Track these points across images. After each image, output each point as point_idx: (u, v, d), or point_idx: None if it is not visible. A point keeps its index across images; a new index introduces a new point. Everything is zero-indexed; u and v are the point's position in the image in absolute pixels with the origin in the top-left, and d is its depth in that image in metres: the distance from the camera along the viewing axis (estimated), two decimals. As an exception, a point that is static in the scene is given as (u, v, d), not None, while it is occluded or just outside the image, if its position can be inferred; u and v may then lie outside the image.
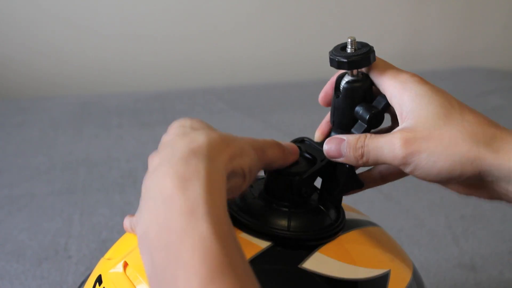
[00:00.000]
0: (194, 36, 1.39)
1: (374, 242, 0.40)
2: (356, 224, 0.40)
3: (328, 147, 0.37)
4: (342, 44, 0.38)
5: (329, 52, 0.37)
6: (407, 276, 0.40)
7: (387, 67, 0.37)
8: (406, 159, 0.33)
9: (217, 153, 0.32)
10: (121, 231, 0.75)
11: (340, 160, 0.37)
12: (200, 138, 0.32)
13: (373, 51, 0.37)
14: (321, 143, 0.39)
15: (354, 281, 0.36)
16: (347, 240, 0.38)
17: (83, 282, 0.44)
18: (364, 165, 0.36)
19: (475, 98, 1.28)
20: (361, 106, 0.37)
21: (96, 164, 0.92)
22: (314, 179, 0.39)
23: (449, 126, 0.33)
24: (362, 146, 0.35)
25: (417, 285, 0.40)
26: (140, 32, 1.35)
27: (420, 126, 0.33)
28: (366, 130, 0.37)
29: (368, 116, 0.37)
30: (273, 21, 1.44)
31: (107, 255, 0.41)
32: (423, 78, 0.35)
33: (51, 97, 1.24)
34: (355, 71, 0.37)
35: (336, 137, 0.37)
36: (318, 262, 0.35)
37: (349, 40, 0.37)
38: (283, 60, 1.48)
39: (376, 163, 0.36)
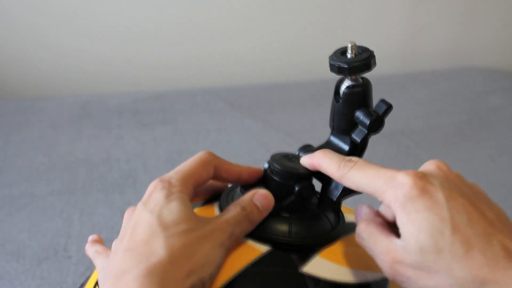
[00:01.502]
0: (194, 36, 1.39)
1: None
2: (355, 228, 0.40)
3: (358, 212, 0.37)
4: (342, 48, 0.37)
5: (329, 57, 0.37)
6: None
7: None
8: (392, 278, 0.32)
9: (174, 272, 0.31)
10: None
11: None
12: (159, 252, 0.31)
13: (374, 56, 0.37)
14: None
15: (354, 285, 0.36)
16: (347, 243, 0.38)
17: (83, 284, 0.44)
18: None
19: (475, 98, 1.28)
20: (361, 111, 0.37)
21: (96, 164, 0.92)
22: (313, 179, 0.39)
23: (437, 267, 0.29)
24: (363, 239, 0.34)
25: None
26: (140, 32, 1.35)
27: (409, 256, 0.30)
28: (367, 136, 0.37)
29: (368, 122, 0.36)
30: (273, 21, 1.44)
31: (107, 256, 0.41)
32: (424, 185, 0.31)
33: (51, 97, 1.24)
34: (355, 76, 0.37)
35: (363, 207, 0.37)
36: (318, 266, 0.35)
37: (350, 45, 0.36)
38: (283, 60, 1.48)
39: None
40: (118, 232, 0.73)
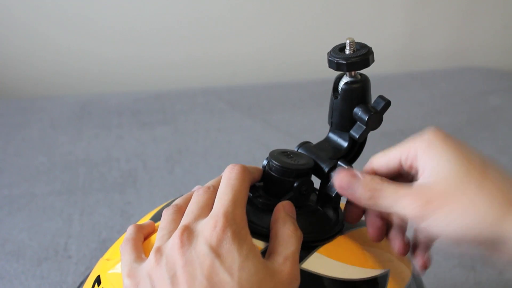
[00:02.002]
0: (194, 36, 1.39)
1: (373, 242, 0.40)
2: (354, 224, 0.40)
3: (339, 180, 0.36)
4: (340, 45, 0.37)
5: (328, 53, 0.37)
6: (406, 276, 0.40)
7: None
8: (422, 216, 0.32)
9: None
10: (121, 231, 0.75)
11: (348, 196, 0.36)
12: None
13: (372, 52, 0.37)
14: (322, 147, 0.39)
15: (353, 281, 0.36)
16: (346, 240, 0.38)
17: (82, 283, 0.44)
18: (368, 207, 0.36)
19: (475, 98, 1.28)
20: (360, 108, 0.37)
21: (96, 164, 0.92)
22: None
23: (469, 185, 0.32)
24: (374, 190, 0.34)
25: (417, 285, 0.41)
26: (140, 32, 1.35)
27: (439, 185, 0.32)
28: (365, 132, 0.37)
29: (367, 118, 0.37)
30: (273, 21, 1.44)
31: (106, 255, 0.41)
32: (447, 134, 0.35)
33: (51, 97, 1.24)
34: (353, 72, 0.37)
35: (350, 171, 0.36)
36: (317, 262, 0.35)
37: (348, 41, 0.37)
38: (283, 60, 1.48)
39: (383, 210, 0.35)
40: (118, 232, 0.73)
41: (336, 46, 0.38)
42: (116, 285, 0.36)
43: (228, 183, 0.34)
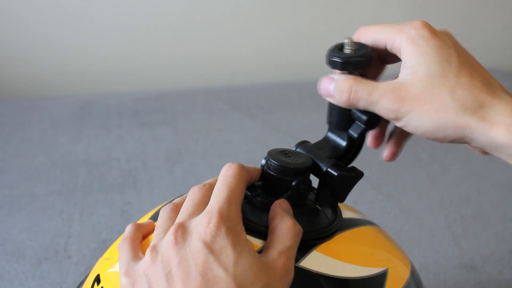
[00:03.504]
0: (194, 36, 1.39)
1: (372, 240, 0.40)
2: (353, 223, 0.41)
3: (320, 85, 0.38)
4: (339, 44, 0.38)
5: (327, 51, 0.37)
6: (405, 275, 0.40)
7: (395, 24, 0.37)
8: (397, 116, 0.35)
9: None
10: (121, 231, 0.75)
11: (330, 100, 0.38)
12: None
13: (371, 54, 0.37)
14: (320, 146, 0.39)
15: (351, 280, 0.36)
16: (344, 239, 0.38)
17: (82, 282, 0.44)
18: (353, 107, 0.37)
19: (475, 98, 1.28)
20: None
21: (96, 164, 0.92)
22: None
23: (441, 89, 0.34)
24: (349, 91, 0.36)
25: (415, 284, 0.41)
26: (140, 32, 1.35)
27: (415, 84, 0.34)
28: (364, 131, 0.37)
29: (366, 117, 0.37)
30: (273, 21, 1.44)
31: (105, 255, 0.41)
32: (433, 29, 0.35)
33: (51, 97, 1.24)
34: (352, 72, 0.37)
35: (327, 77, 0.38)
36: (315, 261, 0.35)
37: (346, 41, 0.37)
38: (283, 60, 1.48)
39: (365, 109, 0.36)
40: (118, 232, 0.73)
41: (335, 45, 0.38)
42: (116, 284, 0.36)
43: (224, 180, 0.34)
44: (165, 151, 0.98)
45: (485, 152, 0.36)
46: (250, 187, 0.38)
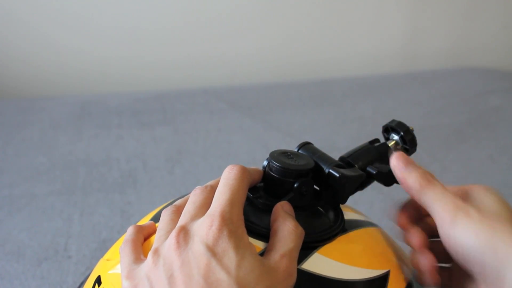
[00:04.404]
0: (194, 36, 1.39)
1: (373, 242, 0.40)
2: (355, 225, 0.40)
3: (399, 158, 0.39)
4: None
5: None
6: (407, 276, 0.40)
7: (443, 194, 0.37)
8: (450, 221, 0.35)
9: None
10: (121, 231, 0.75)
11: (399, 175, 0.38)
12: None
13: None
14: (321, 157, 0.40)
15: (353, 282, 0.36)
16: (346, 241, 0.38)
17: (82, 283, 0.44)
18: (411, 195, 0.38)
19: (475, 98, 1.28)
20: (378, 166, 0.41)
21: (96, 164, 0.92)
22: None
23: (502, 222, 0.34)
24: (429, 181, 0.37)
25: (418, 286, 0.40)
26: (140, 32, 1.35)
27: (480, 208, 0.36)
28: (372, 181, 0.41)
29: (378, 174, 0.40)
30: (273, 21, 1.44)
31: (106, 256, 0.41)
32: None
33: (51, 97, 1.24)
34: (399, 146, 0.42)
35: (411, 163, 0.38)
36: (317, 263, 0.35)
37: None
38: (283, 60, 1.48)
39: (422, 204, 0.37)
40: (118, 232, 0.73)
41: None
42: (117, 286, 0.36)
43: (226, 183, 0.34)
44: (165, 151, 0.98)
45: None
46: (252, 188, 0.38)
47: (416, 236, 0.39)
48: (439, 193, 0.36)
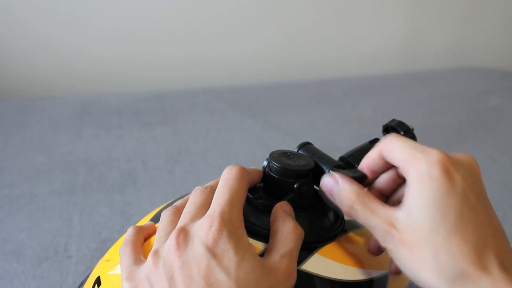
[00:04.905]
0: (194, 36, 1.39)
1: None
2: (355, 225, 0.40)
3: (323, 181, 0.36)
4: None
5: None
6: (406, 278, 0.40)
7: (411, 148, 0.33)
8: (385, 245, 0.33)
9: None
10: (121, 231, 0.75)
11: (329, 197, 0.36)
12: None
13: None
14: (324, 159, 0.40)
15: (353, 283, 0.36)
16: (346, 241, 0.38)
17: (82, 283, 0.44)
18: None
19: (475, 98, 1.28)
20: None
21: (96, 164, 0.92)
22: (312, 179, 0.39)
23: (426, 245, 0.30)
24: (350, 206, 0.34)
25: (417, 286, 0.40)
26: (140, 32, 1.35)
27: (406, 229, 0.31)
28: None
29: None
30: (273, 22, 1.44)
31: (106, 256, 0.41)
32: (447, 166, 0.31)
33: (51, 97, 1.24)
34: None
35: (333, 176, 0.36)
36: (317, 264, 0.35)
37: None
38: (283, 60, 1.48)
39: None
40: (118, 232, 0.73)
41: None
42: (116, 286, 0.36)
43: (225, 183, 0.34)
44: (165, 151, 0.98)
45: None
46: (252, 189, 0.38)
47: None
48: (364, 220, 0.33)
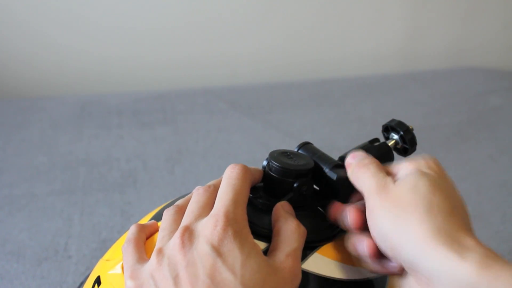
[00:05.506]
0: (194, 36, 1.39)
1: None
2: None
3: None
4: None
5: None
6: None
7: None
8: (372, 211, 0.34)
9: None
10: (121, 231, 0.75)
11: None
12: None
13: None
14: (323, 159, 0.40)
15: (353, 282, 0.36)
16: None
17: (82, 283, 0.44)
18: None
19: (475, 98, 1.28)
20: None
21: (96, 164, 0.92)
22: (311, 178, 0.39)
23: (423, 205, 0.32)
24: (363, 160, 0.37)
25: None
26: (140, 32, 1.35)
27: (399, 198, 0.33)
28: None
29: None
30: (273, 22, 1.44)
31: (105, 256, 0.41)
32: (430, 179, 0.34)
33: (51, 97, 1.24)
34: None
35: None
36: (317, 263, 0.35)
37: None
38: (283, 60, 1.48)
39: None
40: (118, 232, 0.73)
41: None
42: (116, 286, 0.36)
43: (229, 182, 0.34)
44: (165, 151, 0.98)
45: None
46: (252, 188, 0.38)
47: (353, 213, 0.36)
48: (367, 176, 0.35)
